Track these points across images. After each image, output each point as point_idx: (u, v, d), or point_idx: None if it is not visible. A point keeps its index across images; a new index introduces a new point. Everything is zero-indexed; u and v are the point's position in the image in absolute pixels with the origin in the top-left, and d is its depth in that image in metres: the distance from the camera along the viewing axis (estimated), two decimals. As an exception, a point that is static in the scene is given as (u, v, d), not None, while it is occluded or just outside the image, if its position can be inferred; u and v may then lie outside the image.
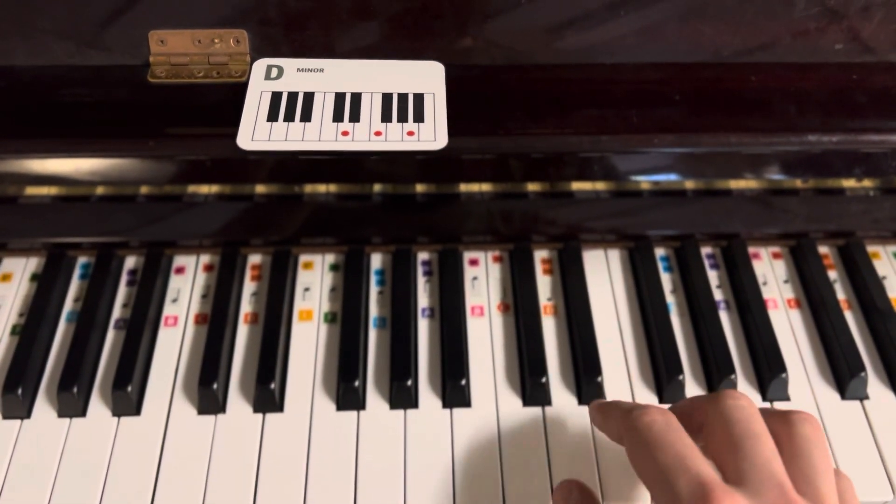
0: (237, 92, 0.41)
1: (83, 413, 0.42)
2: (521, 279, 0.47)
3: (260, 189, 0.47)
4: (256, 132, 0.39)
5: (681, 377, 0.42)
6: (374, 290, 0.48)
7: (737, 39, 0.44)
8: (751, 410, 0.31)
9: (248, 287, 0.48)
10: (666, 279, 0.49)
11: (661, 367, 0.44)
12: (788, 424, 0.31)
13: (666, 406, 0.34)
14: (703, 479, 0.28)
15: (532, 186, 0.47)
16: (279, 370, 0.43)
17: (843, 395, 0.43)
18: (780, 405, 0.43)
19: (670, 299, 0.48)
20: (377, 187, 0.47)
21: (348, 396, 0.42)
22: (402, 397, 0.42)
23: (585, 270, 0.48)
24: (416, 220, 0.48)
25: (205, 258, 0.49)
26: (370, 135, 0.39)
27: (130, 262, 0.49)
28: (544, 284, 0.48)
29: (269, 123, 0.39)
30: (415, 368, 0.43)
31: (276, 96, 0.41)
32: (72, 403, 0.41)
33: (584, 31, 0.43)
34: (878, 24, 0.44)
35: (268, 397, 0.42)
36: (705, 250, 0.50)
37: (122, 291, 0.48)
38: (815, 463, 0.30)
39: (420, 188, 0.47)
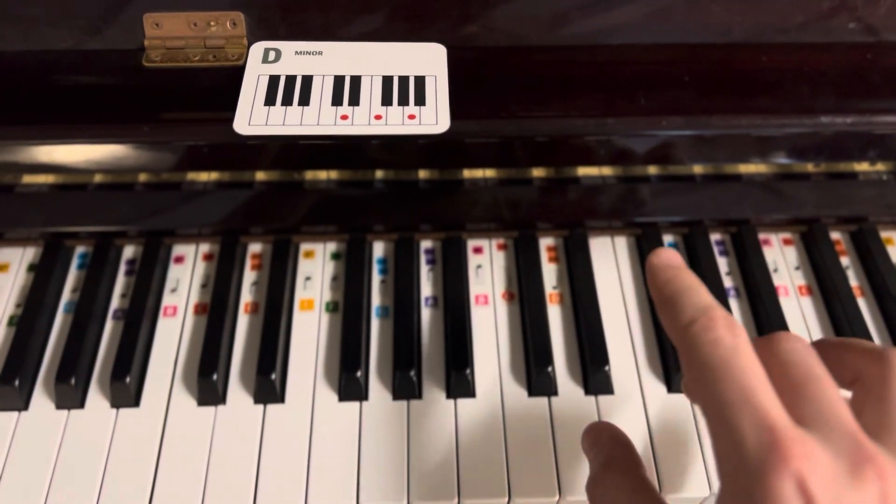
0: (234, 76, 0.40)
1: (81, 405, 0.41)
2: (526, 267, 0.46)
3: (259, 176, 0.46)
4: (254, 116, 0.38)
5: (690, 366, 0.42)
6: (376, 279, 0.47)
7: (748, 19, 0.42)
8: (809, 351, 0.27)
9: (249, 276, 0.47)
10: (674, 266, 0.48)
11: (669, 357, 0.43)
12: (884, 365, 0.27)
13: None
14: (771, 421, 0.23)
15: (537, 172, 0.46)
16: (280, 361, 0.42)
17: (857, 384, 0.43)
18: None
19: (679, 287, 0.47)
20: (379, 174, 0.46)
21: (350, 387, 0.41)
22: (405, 388, 0.41)
23: (592, 258, 0.47)
24: (418, 207, 0.48)
25: (204, 247, 0.48)
26: (370, 118, 0.38)
27: (129, 251, 0.48)
28: (550, 272, 0.47)
29: (267, 107, 0.38)
30: (418, 358, 0.43)
31: (273, 80, 0.40)
32: (70, 395, 0.41)
33: (590, 11, 0.42)
34: (894, 2, 0.43)
35: (268, 388, 0.41)
36: (714, 237, 0.49)
37: (120, 281, 0.47)
38: None
39: (422, 174, 0.46)
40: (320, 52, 0.41)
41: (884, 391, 0.26)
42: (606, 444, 0.31)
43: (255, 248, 0.48)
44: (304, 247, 0.48)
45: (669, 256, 0.30)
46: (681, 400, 0.42)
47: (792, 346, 0.27)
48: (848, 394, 0.28)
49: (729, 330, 0.26)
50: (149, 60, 0.41)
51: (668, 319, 0.28)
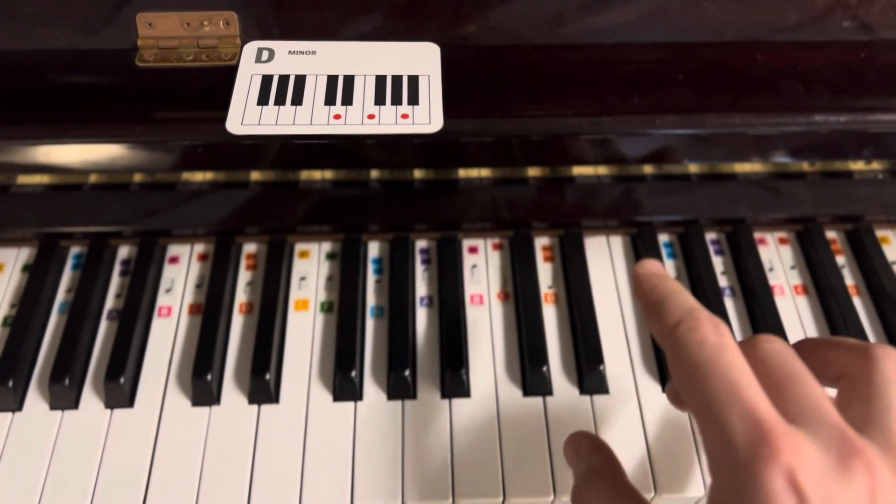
0: (227, 76, 0.40)
1: (75, 405, 0.41)
2: (521, 267, 0.46)
3: (254, 176, 0.46)
4: (246, 116, 0.38)
5: (685, 365, 0.41)
6: (371, 278, 0.47)
7: (742, 17, 0.42)
8: (789, 352, 0.27)
9: (243, 276, 0.47)
10: (669, 266, 0.48)
11: (664, 356, 0.43)
12: (868, 360, 0.27)
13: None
14: (759, 415, 0.23)
15: (532, 171, 0.46)
16: (274, 361, 0.42)
17: (852, 383, 0.42)
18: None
19: (674, 286, 0.47)
20: (374, 173, 0.46)
21: (345, 387, 0.41)
22: (400, 388, 0.41)
23: (587, 257, 0.47)
24: (413, 207, 0.47)
25: (199, 247, 0.48)
26: (363, 118, 0.38)
27: (123, 251, 0.48)
28: (545, 272, 0.47)
29: (260, 107, 0.38)
30: (413, 358, 0.43)
31: (266, 79, 0.40)
32: (64, 395, 0.41)
33: (585, 9, 0.42)
34: (888, 0, 0.42)
35: (263, 388, 0.41)
36: (710, 236, 0.49)
37: (114, 282, 0.47)
38: (893, 404, 0.26)
39: (417, 174, 0.46)
40: (314, 52, 0.41)
41: (868, 386, 0.26)
42: (586, 453, 0.32)
43: (249, 248, 0.48)
44: (299, 247, 0.48)
45: (653, 265, 0.31)
46: (676, 399, 0.42)
47: (773, 346, 0.27)
48: (833, 392, 0.28)
49: (714, 329, 0.26)
50: (142, 60, 0.41)
51: (654, 323, 0.29)
